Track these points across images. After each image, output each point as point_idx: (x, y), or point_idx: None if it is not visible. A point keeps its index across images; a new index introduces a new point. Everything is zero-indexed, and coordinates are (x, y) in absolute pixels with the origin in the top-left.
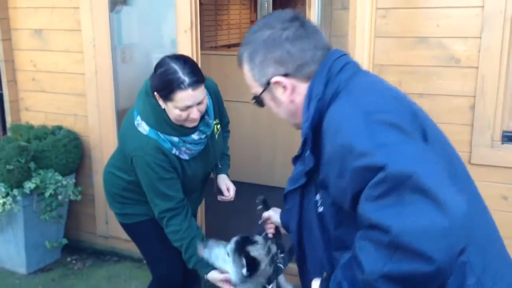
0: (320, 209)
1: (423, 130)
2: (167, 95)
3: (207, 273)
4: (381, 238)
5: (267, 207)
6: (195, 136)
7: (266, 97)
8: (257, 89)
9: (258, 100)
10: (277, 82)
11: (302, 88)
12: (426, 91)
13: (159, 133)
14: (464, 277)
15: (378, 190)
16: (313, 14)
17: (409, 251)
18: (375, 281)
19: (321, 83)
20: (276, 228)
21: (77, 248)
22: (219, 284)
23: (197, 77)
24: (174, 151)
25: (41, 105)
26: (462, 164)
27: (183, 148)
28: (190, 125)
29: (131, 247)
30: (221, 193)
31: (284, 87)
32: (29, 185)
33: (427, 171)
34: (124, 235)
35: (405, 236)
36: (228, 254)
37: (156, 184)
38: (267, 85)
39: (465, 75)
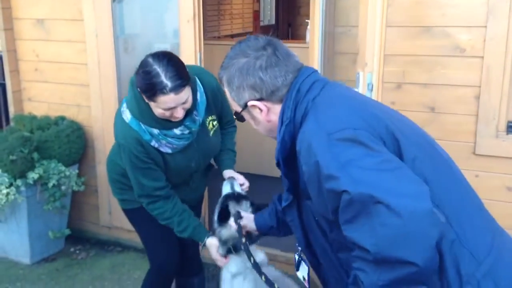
0: (316, 218)
1: (390, 133)
2: (150, 97)
3: (204, 240)
4: (366, 257)
5: (240, 217)
6: (177, 131)
7: (246, 116)
8: (237, 108)
9: (239, 117)
10: (253, 105)
11: (277, 108)
12: (431, 81)
13: (140, 123)
14: (457, 258)
15: (349, 213)
16: (317, 4)
17: (392, 261)
18: None
19: (289, 108)
20: (248, 233)
21: (80, 238)
22: (212, 250)
23: (180, 81)
24: (153, 143)
25: (44, 96)
26: (438, 152)
27: (163, 141)
28: (174, 120)
29: (134, 237)
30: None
31: (260, 109)
32: (32, 176)
33: (383, 185)
34: (127, 225)
35: (383, 251)
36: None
37: (133, 172)
38: (245, 107)
39: (470, 64)
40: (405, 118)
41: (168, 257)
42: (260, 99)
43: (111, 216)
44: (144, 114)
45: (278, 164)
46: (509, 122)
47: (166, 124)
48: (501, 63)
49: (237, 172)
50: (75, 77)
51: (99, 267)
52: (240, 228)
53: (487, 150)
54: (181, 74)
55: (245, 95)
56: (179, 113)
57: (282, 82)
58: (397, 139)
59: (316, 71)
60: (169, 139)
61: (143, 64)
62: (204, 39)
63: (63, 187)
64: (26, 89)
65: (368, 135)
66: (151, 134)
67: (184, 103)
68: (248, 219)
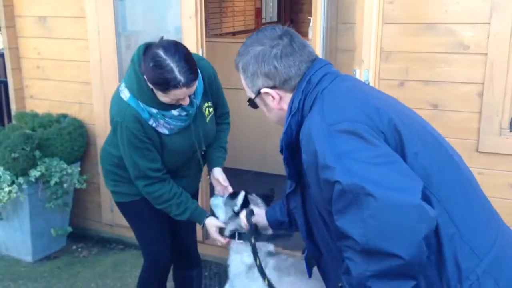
0: (317, 206)
1: (393, 126)
2: (162, 90)
3: (202, 221)
4: (355, 247)
5: (252, 214)
6: (175, 112)
7: (258, 102)
8: (250, 94)
9: (252, 103)
10: (266, 93)
11: (289, 97)
12: (434, 78)
13: (139, 102)
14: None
15: (341, 203)
16: (319, 1)
17: (379, 253)
18: (365, 282)
19: (298, 98)
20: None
21: (82, 236)
22: (211, 230)
23: (193, 74)
24: (151, 122)
25: (46, 93)
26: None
27: (161, 121)
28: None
29: None
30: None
31: (273, 97)
32: (34, 173)
33: (374, 178)
34: None
35: (370, 242)
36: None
37: (130, 152)
38: (258, 93)
39: (473, 62)
40: (411, 112)
41: (161, 251)
42: (273, 87)
43: (114, 214)
44: (144, 94)
45: (281, 151)
46: None
47: (165, 105)
48: (504, 60)
49: (241, 169)
50: (77, 74)
51: (101, 265)
52: (251, 227)
53: (490, 148)
54: (193, 67)
55: (259, 82)
56: (187, 101)
57: (295, 71)
58: (399, 132)
59: (330, 64)
60: (167, 119)
61: (154, 57)
62: (206, 36)
63: (65, 185)
64: (28, 86)
65: (366, 128)
66: (150, 113)
67: (194, 90)
68: (260, 216)
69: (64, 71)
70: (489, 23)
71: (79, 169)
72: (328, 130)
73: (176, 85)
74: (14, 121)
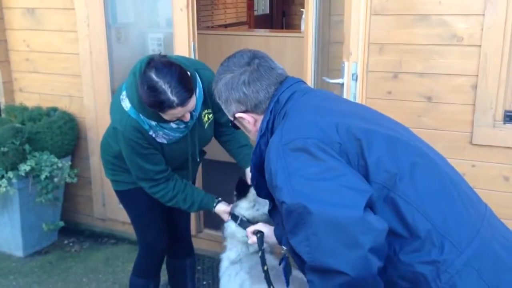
0: None
1: (351, 134)
2: (158, 111)
3: (213, 207)
4: (307, 267)
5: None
6: (173, 124)
7: (238, 124)
8: (229, 117)
9: (233, 125)
10: (240, 117)
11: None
12: (427, 70)
13: (139, 113)
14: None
15: (290, 223)
16: None
17: (327, 271)
18: None
19: (266, 120)
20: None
21: (74, 231)
22: (224, 217)
23: (186, 93)
24: (151, 132)
25: (35, 86)
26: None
27: (160, 133)
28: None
29: (128, 229)
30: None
31: (248, 120)
32: (24, 168)
33: (319, 195)
34: (121, 217)
35: (316, 260)
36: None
37: (134, 157)
38: (234, 117)
39: (467, 53)
40: (384, 120)
41: (156, 238)
42: (246, 111)
43: (105, 208)
44: (144, 109)
45: (251, 170)
46: (506, 111)
47: (163, 118)
48: (498, 52)
49: (233, 163)
50: (67, 67)
51: (93, 259)
52: (263, 252)
53: (484, 140)
54: (186, 86)
55: (233, 107)
56: (187, 117)
57: (264, 95)
58: (359, 140)
59: (300, 81)
60: (166, 130)
61: (147, 80)
62: (198, 28)
63: (55, 179)
64: (17, 79)
65: (316, 142)
66: (149, 125)
67: (192, 106)
68: (270, 237)
69: (54, 64)
70: (483, 15)
71: (69, 163)
72: (283, 150)
73: (170, 105)
74: (3, 115)
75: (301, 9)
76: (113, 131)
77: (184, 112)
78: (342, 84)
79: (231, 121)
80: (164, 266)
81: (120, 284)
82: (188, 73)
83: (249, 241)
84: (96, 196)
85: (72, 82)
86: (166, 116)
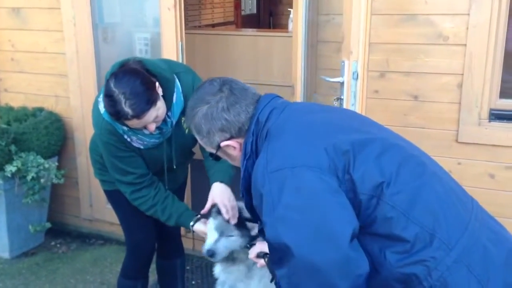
0: None
1: (338, 149)
2: (115, 120)
3: (191, 225)
4: None
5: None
6: (145, 130)
7: (221, 155)
8: (211, 150)
9: (215, 157)
10: (226, 145)
11: None
12: (414, 69)
13: None
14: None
15: (274, 256)
16: None
17: None
18: None
19: (249, 141)
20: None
21: (61, 232)
22: (203, 236)
23: (142, 106)
24: (126, 137)
25: (21, 86)
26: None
27: (134, 138)
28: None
29: (116, 230)
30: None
31: (233, 147)
32: (10, 169)
33: (301, 235)
34: (109, 218)
35: None
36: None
37: (112, 160)
38: (219, 148)
39: (453, 52)
40: (360, 118)
41: (144, 238)
42: (230, 138)
43: (92, 209)
44: None
45: (242, 196)
46: (491, 110)
47: None
48: (483, 51)
49: None
50: (53, 67)
51: (80, 260)
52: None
53: (469, 138)
54: (143, 99)
55: (216, 138)
56: (151, 128)
57: (245, 116)
58: (346, 153)
59: (276, 97)
60: (140, 136)
61: (106, 88)
62: (185, 28)
63: (42, 180)
64: (2, 79)
65: (304, 172)
66: (122, 129)
67: (155, 117)
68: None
69: (40, 64)
70: (468, 14)
71: (56, 163)
72: (269, 179)
73: (125, 117)
74: None
75: (289, 9)
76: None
77: (143, 123)
78: (342, 83)
79: (212, 154)
80: (153, 267)
81: (108, 285)
82: (156, 83)
83: (258, 265)
84: (83, 196)
85: (58, 82)
86: (127, 124)
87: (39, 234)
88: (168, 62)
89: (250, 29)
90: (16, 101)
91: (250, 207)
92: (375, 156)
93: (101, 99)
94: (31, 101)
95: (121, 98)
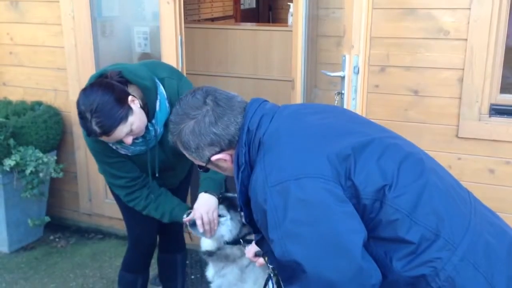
0: None
1: (339, 156)
2: (88, 134)
3: (184, 217)
4: None
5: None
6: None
7: (211, 167)
8: (200, 163)
9: (204, 170)
10: (216, 159)
11: None
12: (414, 64)
13: None
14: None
15: (284, 274)
16: None
17: None
18: None
19: (242, 152)
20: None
21: (60, 226)
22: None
23: (109, 123)
24: (111, 144)
25: (20, 80)
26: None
27: (119, 146)
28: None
29: (115, 224)
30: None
31: (224, 159)
32: (9, 163)
33: (310, 253)
34: (108, 212)
35: None
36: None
37: (104, 167)
38: (209, 162)
39: (453, 47)
40: (355, 117)
41: (144, 232)
42: (221, 151)
43: (91, 203)
44: None
45: (241, 210)
46: (492, 104)
47: None
48: (484, 46)
49: None
50: (52, 60)
51: (79, 255)
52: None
53: (470, 133)
54: (110, 116)
55: (206, 152)
56: (127, 141)
57: (234, 127)
58: (348, 157)
59: (263, 102)
60: (123, 144)
61: (77, 102)
62: (184, 22)
63: (41, 174)
64: (1, 73)
65: (307, 182)
66: None
67: (130, 131)
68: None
69: (38, 57)
70: (469, 8)
71: (55, 157)
72: (271, 193)
73: (94, 134)
74: None
75: (289, 3)
76: None
77: (115, 139)
78: (343, 77)
79: (201, 167)
80: (153, 261)
81: (107, 279)
82: (130, 96)
83: (257, 265)
84: (82, 191)
85: (57, 76)
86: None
87: (38, 228)
88: (152, 67)
89: (250, 24)
90: (15, 95)
91: (249, 220)
92: (376, 159)
93: None
94: (29, 95)
95: (88, 116)
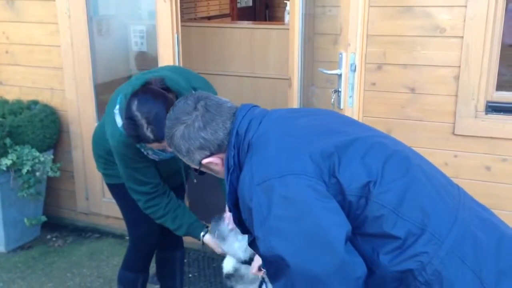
0: None
1: (325, 155)
2: (135, 142)
3: (201, 236)
4: None
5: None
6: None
7: (204, 170)
8: (194, 166)
9: (200, 172)
10: (207, 162)
11: None
12: (411, 61)
13: None
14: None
15: (270, 270)
16: None
17: None
18: None
19: (231, 155)
20: None
21: (57, 225)
22: (215, 247)
23: (163, 132)
24: (142, 150)
25: (16, 79)
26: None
27: (150, 152)
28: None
29: (112, 223)
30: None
31: (215, 163)
32: (5, 162)
33: (294, 246)
34: (105, 211)
35: None
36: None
37: (129, 171)
38: (201, 165)
39: (450, 45)
40: (342, 118)
41: (148, 231)
42: (211, 155)
43: (88, 202)
44: None
45: (230, 210)
46: (488, 102)
47: None
48: (480, 43)
49: None
50: (48, 59)
51: (76, 254)
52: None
53: (466, 130)
54: (165, 125)
55: (196, 156)
56: (169, 149)
57: (223, 133)
58: (331, 155)
59: (253, 107)
60: (156, 150)
61: (128, 109)
62: (181, 20)
63: (37, 173)
64: None
65: (292, 179)
66: (139, 144)
67: None
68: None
69: (34, 56)
70: (465, 6)
71: (52, 157)
72: (256, 191)
73: (146, 140)
74: None
75: (285, 1)
76: (109, 145)
77: (163, 147)
78: (340, 75)
79: (196, 170)
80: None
81: (105, 278)
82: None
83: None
84: (79, 190)
85: (53, 75)
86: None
87: (35, 227)
88: (187, 76)
89: (246, 22)
90: (11, 94)
91: (238, 221)
92: (360, 157)
93: (117, 111)
94: (26, 94)
95: (143, 123)
